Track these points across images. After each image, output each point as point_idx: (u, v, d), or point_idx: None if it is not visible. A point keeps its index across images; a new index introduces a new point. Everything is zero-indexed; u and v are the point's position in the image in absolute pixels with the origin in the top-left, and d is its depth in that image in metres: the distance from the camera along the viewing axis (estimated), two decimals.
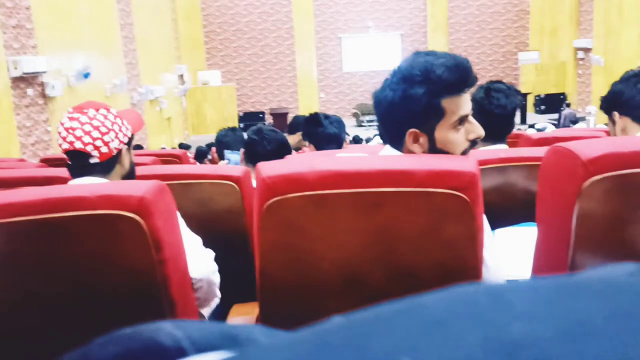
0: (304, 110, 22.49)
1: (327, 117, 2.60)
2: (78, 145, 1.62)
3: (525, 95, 20.20)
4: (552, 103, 20.82)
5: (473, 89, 1.47)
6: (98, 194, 1.18)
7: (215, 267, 1.76)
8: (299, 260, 1.22)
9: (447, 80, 1.25)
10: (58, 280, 1.24)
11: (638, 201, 1.20)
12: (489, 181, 2.20)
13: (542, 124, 14.62)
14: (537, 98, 21.55)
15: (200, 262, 1.67)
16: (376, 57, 22.79)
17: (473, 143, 1.35)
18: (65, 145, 1.63)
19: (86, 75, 9.76)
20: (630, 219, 1.22)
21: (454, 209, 1.16)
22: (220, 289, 1.84)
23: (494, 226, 2.08)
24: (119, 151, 1.70)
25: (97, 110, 1.68)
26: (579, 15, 20.60)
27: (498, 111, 2.27)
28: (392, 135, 1.34)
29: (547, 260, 1.37)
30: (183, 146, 14.02)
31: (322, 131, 2.54)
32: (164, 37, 17.57)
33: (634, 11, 17.18)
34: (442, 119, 1.28)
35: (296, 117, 4.84)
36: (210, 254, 1.76)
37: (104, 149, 1.64)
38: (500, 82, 2.39)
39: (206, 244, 2.15)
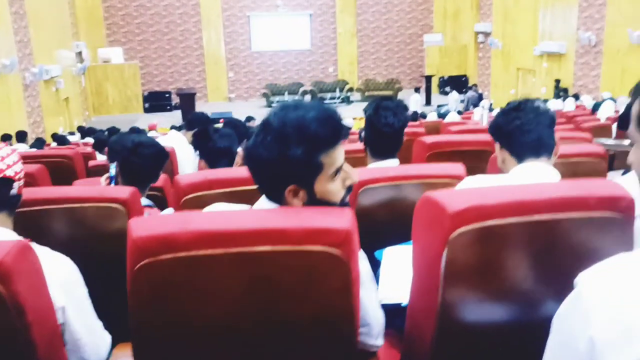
0: (213, 89, 22.05)
1: (216, 130, 2.54)
2: (9, 172, 1.49)
3: (429, 77, 20.88)
4: (455, 84, 21.67)
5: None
6: None
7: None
8: (174, 320, 1.19)
9: (323, 136, 1.25)
10: None
11: (501, 249, 1.28)
12: (378, 198, 2.26)
13: (445, 107, 15.17)
14: (441, 80, 22.33)
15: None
16: (286, 37, 22.66)
17: (349, 189, 1.37)
18: None
19: None
20: (494, 267, 1.29)
21: (330, 265, 1.18)
22: (105, 325, 1.77)
23: (384, 244, 2.14)
24: None
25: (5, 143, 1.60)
26: (479, 0, 21.45)
27: (386, 129, 2.33)
28: (269, 190, 1.33)
29: (420, 297, 1.43)
30: (83, 130, 13.36)
31: (212, 146, 2.48)
32: (59, 12, 16.48)
33: None
34: (321, 173, 1.29)
35: (195, 114, 4.73)
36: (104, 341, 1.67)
37: (22, 183, 1.54)
38: (389, 99, 2.44)
39: (91, 273, 2.06)
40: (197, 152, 2.56)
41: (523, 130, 1.78)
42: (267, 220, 1.19)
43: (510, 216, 1.24)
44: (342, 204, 1.35)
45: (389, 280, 1.90)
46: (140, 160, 2.34)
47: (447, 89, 20.87)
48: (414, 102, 17.99)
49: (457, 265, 1.26)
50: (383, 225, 2.21)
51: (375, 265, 2.09)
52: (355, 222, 1.22)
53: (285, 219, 1.19)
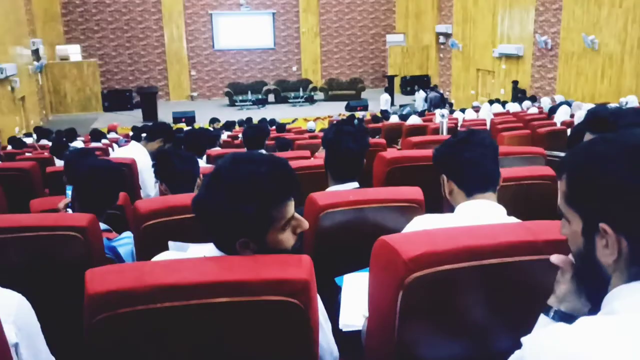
0: (174, 88, 21.75)
1: (177, 154, 2.51)
2: None
3: (392, 77, 21.07)
4: (418, 84, 21.92)
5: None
6: None
7: None
8: None
9: (275, 192, 1.27)
10: None
11: (454, 292, 1.32)
12: (338, 222, 2.28)
13: (407, 109, 15.32)
14: (404, 80, 22.56)
15: None
16: (249, 35, 22.53)
17: (300, 235, 1.39)
18: None
19: None
20: (448, 308, 1.33)
21: (289, 315, 1.20)
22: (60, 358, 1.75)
23: (344, 266, 2.17)
24: None
25: None
26: (439, 1, 21.72)
27: (346, 154, 2.36)
28: (220, 240, 1.33)
29: (377, 333, 1.47)
30: (40, 131, 13.01)
31: (172, 169, 2.46)
32: (14, 8, 15.97)
33: (488, 0, 18.48)
34: (272, 225, 1.31)
35: (157, 124, 4.68)
36: None
37: None
38: (350, 123, 2.47)
39: (48, 304, 2.02)
40: (157, 178, 2.53)
41: (471, 163, 1.80)
42: (225, 272, 1.20)
43: (463, 261, 1.28)
44: (294, 250, 1.37)
45: (349, 308, 1.93)
46: (96, 186, 2.30)
47: (415, 87, 21.09)
48: (384, 101, 18.39)
49: (412, 307, 1.30)
50: (343, 248, 2.24)
51: (335, 290, 2.12)
52: (313, 270, 1.25)
53: (243, 269, 1.21)
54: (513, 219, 1.80)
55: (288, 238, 1.35)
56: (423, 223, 1.80)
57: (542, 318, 1.12)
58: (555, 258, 1.08)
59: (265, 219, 1.28)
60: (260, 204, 1.25)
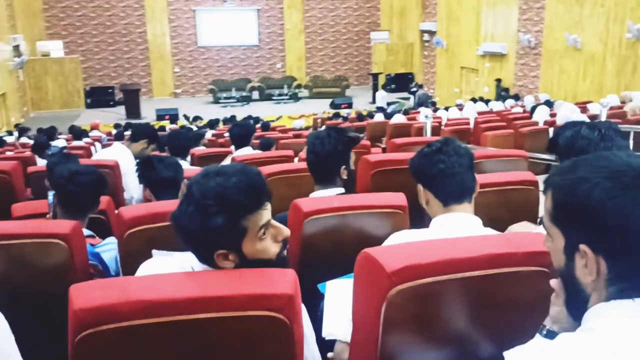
0: (158, 85, 21.60)
1: (161, 160, 2.49)
2: None
3: (376, 75, 21.12)
4: (402, 82, 22.01)
5: None
6: None
7: None
8: None
9: (244, 203, 1.28)
10: None
11: (437, 304, 1.34)
12: (322, 229, 2.29)
13: (392, 107, 15.37)
14: (388, 77, 22.62)
15: None
16: (233, 32, 22.43)
17: (285, 243, 1.39)
18: None
19: None
20: (431, 320, 1.35)
21: (273, 330, 1.21)
22: None
23: (328, 272, 2.18)
24: None
25: None
26: None
27: (311, 157, 2.37)
28: (200, 255, 1.34)
29: (360, 347, 1.48)
30: (21, 128, 12.87)
31: (155, 175, 2.44)
32: None
33: None
34: (246, 235, 1.31)
35: (140, 125, 4.65)
36: None
37: None
38: (331, 128, 2.46)
39: (30, 313, 2.01)
40: (141, 183, 2.51)
41: (446, 174, 1.81)
42: (209, 287, 1.20)
43: (445, 274, 1.30)
44: (279, 259, 1.37)
45: (332, 316, 1.94)
46: (78, 189, 2.28)
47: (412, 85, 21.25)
48: (380, 98, 18.74)
49: (395, 319, 1.31)
50: (328, 254, 2.25)
51: (318, 297, 2.12)
52: (298, 284, 1.26)
53: (228, 284, 1.21)
54: (489, 230, 1.81)
55: (268, 247, 1.35)
56: (399, 240, 1.80)
57: (537, 336, 1.14)
58: (553, 282, 1.10)
59: (236, 229, 1.28)
60: (229, 216, 1.26)
